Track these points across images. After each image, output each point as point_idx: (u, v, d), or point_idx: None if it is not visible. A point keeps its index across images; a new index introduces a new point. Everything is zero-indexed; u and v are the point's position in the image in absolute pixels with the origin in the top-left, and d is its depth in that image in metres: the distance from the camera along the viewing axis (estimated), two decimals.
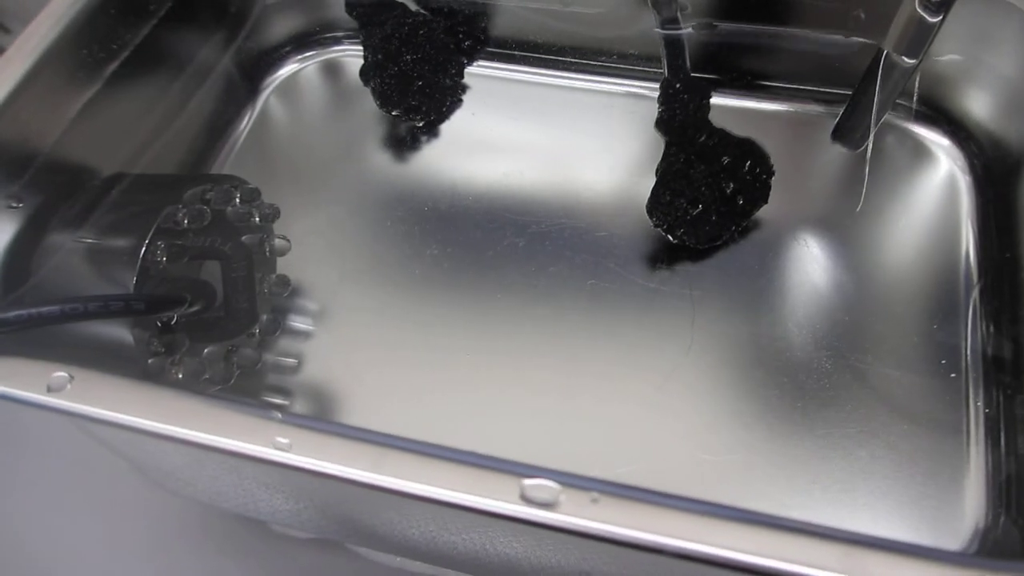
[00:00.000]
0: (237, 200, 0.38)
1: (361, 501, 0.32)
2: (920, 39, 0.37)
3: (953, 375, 0.37)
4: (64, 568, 0.41)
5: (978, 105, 0.43)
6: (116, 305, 0.30)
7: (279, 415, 0.26)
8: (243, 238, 0.38)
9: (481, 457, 0.26)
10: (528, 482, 0.25)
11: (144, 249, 0.34)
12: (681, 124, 0.40)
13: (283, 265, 0.41)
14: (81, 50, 0.38)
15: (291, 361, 0.40)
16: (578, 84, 0.48)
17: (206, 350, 0.37)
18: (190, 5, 0.44)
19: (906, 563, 0.23)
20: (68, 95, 0.38)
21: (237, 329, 0.37)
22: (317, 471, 0.25)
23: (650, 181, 0.40)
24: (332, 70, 0.51)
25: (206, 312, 0.35)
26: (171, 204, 0.36)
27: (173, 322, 0.34)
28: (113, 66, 0.40)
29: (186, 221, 0.35)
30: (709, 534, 0.24)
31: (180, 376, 0.36)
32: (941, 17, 0.36)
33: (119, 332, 0.35)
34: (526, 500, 0.24)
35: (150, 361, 0.34)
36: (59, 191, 0.37)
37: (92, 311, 0.29)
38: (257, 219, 0.39)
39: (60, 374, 0.27)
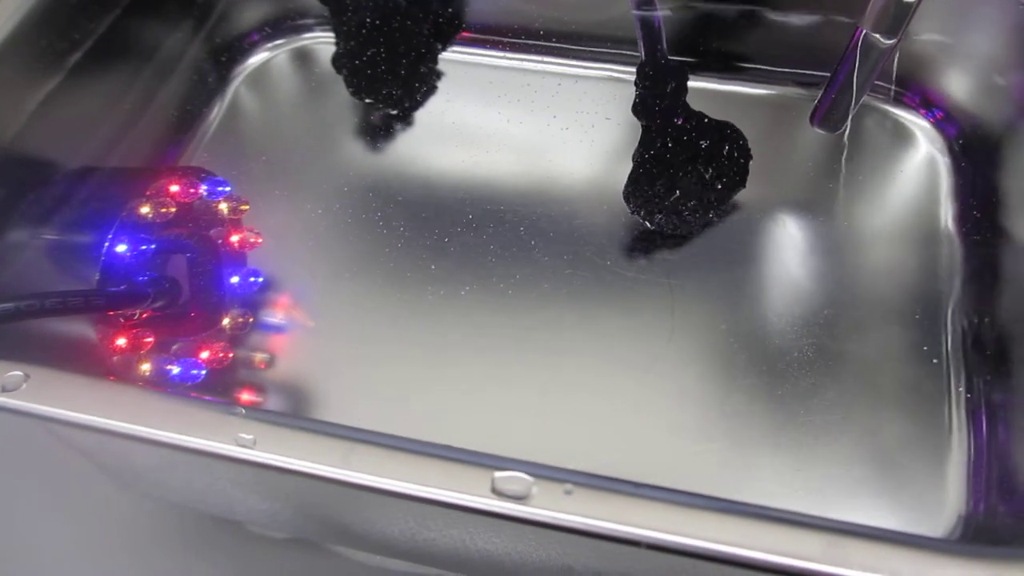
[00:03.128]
0: (203, 193, 0.37)
1: (336, 499, 0.31)
2: (898, 18, 0.36)
3: (935, 360, 0.36)
4: (34, 575, 0.40)
5: (956, 85, 0.42)
6: (75, 302, 0.29)
7: (242, 411, 0.26)
8: (211, 232, 0.37)
9: (452, 450, 0.25)
10: (500, 475, 0.24)
11: (107, 244, 0.33)
12: (658, 108, 0.40)
13: (254, 258, 0.40)
14: (40, 41, 0.37)
15: (263, 356, 0.39)
16: (555, 68, 0.48)
17: (174, 346, 0.36)
18: None
19: (889, 551, 0.22)
20: (27, 88, 0.37)
21: (205, 324, 0.36)
22: (283, 467, 0.25)
23: (629, 167, 0.40)
24: (304, 58, 0.50)
25: (171, 308, 0.34)
26: (135, 198, 0.35)
27: (136, 318, 0.33)
28: (75, 57, 0.39)
29: (150, 215, 0.35)
30: (687, 525, 0.23)
31: (147, 373, 0.35)
32: None
33: (83, 329, 0.34)
34: (497, 493, 0.24)
35: (115, 358, 0.33)
36: (20, 187, 0.36)
37: (50, 308, 0.29)
38: (225, 212, 0.38)
39: (15, 373, 0.26)
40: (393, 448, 0.25)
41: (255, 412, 0.26)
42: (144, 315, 0.34)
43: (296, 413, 0.37)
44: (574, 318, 0.39)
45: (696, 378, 0.37)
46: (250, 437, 0.25)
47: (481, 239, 0.41)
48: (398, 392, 0.38)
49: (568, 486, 0.24)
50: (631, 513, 0.23)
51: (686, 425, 0.36)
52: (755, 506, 0.23)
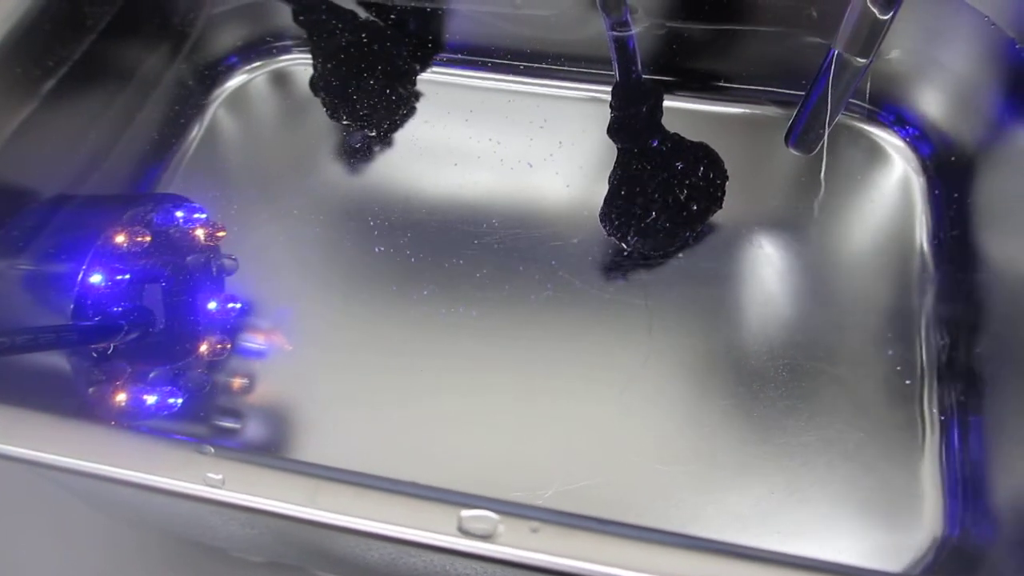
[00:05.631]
0: (180, 220, 0.37)
1: (312, 528, 0.32)
2: (871, 37, 0.36)
3: (908, 381, 0.37)
4: None
5: (930, 103, 0.42)
6: (47, 338, 0.29)
7: (211, 449, 0.26)
8: (187, 259, 0.37)
9: (419, 488, 0.25)
10: (466, 513, 0.24)
11: (81, 275, 0.33)
12: (633, 129, 0.40)
13: (231, 284, 0.40)
14: (14, 69, 0.37)
15: (241, 382, 0.39)
16: (534, 89, 0.48)
17: (151, 375, 0.36)
18: (132, 18, 0.42)
19: None
20: (1, 116, 0.37)
21: (181, 353, 0.36)
22: (250, 507, 0.25)
23: (606, 188, 0.40)
24: (282, 80, 0.50)
25: (146, 338, 0.34)
26: (111, 226, 0.35)
27: (111, 350, 0.33)
28: (50, 84, 0.39)
29: (125, 244, 0.34)
30: (651, 562, 0.23)
31: (124, 403, 0.35)
32: (892, 13, 0.35)
33: (58, 361, 0.34)
34: (464, 532, 0.24)
35: (91, 390, 0.33)
36: None
37: (21, 345, 0.28)
38: (202, 238, 0.38)
39: None
40: (360, 486, 0.25)
41: (224, 451, 0.26)
42: (119, 346, 0.34)
43: (272, 438, 0.37)
44: (551, 338, 0.39)
45: (672, 399, 0.37)
46: (219, 477, 0.25)
47: (459, 260, 0.41)
48: (376, 412, 0.38)
49: (534, 524, 0.24)
50: (597, 551, 0.23)
51: (663, 446, 0.36)
52: (718, 543, 0.23)
